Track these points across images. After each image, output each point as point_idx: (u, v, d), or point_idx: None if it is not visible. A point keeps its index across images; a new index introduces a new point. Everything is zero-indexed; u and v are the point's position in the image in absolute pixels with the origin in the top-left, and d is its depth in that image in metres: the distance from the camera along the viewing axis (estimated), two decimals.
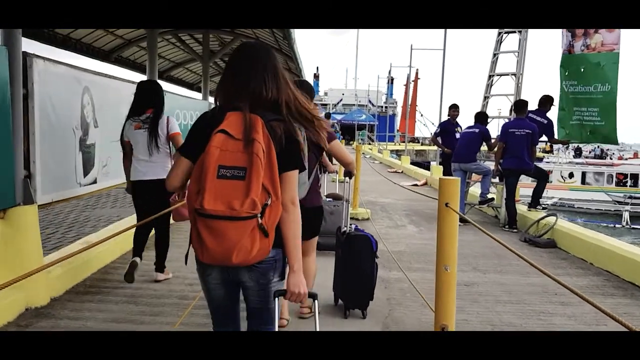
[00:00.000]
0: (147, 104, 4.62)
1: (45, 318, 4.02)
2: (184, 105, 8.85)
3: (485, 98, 9.37)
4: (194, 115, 9.18)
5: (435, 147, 49.91)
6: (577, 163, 32.56)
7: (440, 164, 18.99)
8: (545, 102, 8.66)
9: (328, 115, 21.04)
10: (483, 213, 9.77)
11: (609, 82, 7.94)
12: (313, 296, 2.21)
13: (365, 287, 4.21)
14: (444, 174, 10.29)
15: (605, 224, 23.43)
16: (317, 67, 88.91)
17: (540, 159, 30.12)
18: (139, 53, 11.27)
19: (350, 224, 4.57)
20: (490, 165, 9.11)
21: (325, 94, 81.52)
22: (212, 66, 14.31)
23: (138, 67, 11.71)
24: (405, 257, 6.31)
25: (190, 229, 2.05)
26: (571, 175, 29.67)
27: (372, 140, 55.92)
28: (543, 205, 8.83)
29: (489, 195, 8.96)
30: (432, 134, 11.31)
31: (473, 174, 9.23)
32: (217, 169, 1.92)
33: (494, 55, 9.22)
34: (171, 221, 4.62)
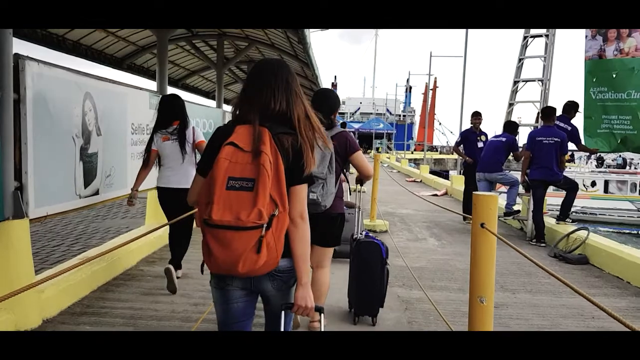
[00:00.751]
0: (173, 116, 4.93)
1: None
2: (196, 112, 8.54)
3: (510, 105, 8.91)
4: (207, 123, 8.89)
5: (455, 156, 49.27)
6: (599, 171, 31.84)
7: (461, 173, 18.59)
8: (570, 108, 8.23)
9: (344, 125, 20.70)
10: (508, 226, 9.30)
11: None
12: (320, 310, 2.22)
13: (374, 294, 4.20)
14: (465, 184, 9.86)
15: (627, 231, 22.76)
16: (335, 76, 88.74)
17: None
18: (152, 60, 11.05)
19: (362, 231, 4.55)
20: (517, 175, 8.67)
21: (343, 102, 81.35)
22: (226, 74, 14.07)
23: (152, 75, 11.48)
24: (427, 274, 5.89)
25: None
26: (593, 183, 28.89)
27: (390, 149, 55.47)
28: (572, 218, 8.34)
29: (515, 207, 8.51)
30: (454, 143, 10.85)
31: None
32: (226, 180, 1.95)
33: (519, 60, 8.78)
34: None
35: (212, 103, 13.40)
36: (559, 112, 8.05)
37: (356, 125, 64.63)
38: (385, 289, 4.26)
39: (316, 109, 2.38)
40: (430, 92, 45.04)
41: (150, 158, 4.96)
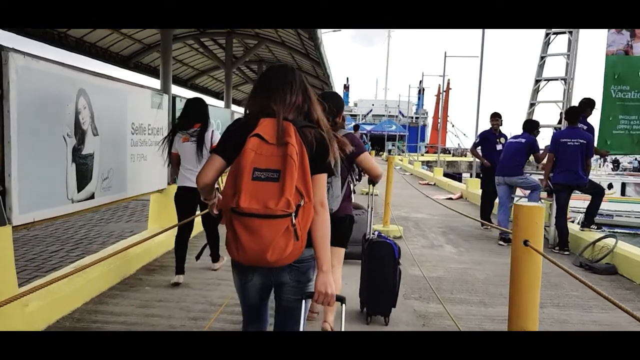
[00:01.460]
0: (195, 119, 5.06)
1: None
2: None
3: (532, 105, 8.47)
4: (214, 123, 8.55)
5: (468, 158, 48.75)
6: (616, 174, 31.25)
7: (478, 176, 18.13)
8: (586, 106, 7.75)
9: (357, 127, 20.32)
10: None
11: None
12: (341, 300, 2.20)
13: (387, 294, 4.22)
14: (483, 188, 9.43)
15: None
16: (347, 78, 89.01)
17: None
18: (160, 60, 10.75)
19: (374, 231, 4.56)
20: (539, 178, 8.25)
21: (355, 104, 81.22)
22: (236, 73, 13.77)
23: (159, 74, 11.19)
24: (445, 286, 5.50)
25: (225, 233, 2.10)
26: (610, 186, 28.18)
27: (403, 151, 54.98)
28: (598, 224, 7.89)
29: None
30: (471, 144, 10.42)
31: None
32: (252, 171, 1.99)
33: (541, 58, 8.33)
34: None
35: (221, 103, 13.08)
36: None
37: (368, 128, 64.24)
38: (397, 289, 4.27)
39: None
40: (443, 93, 44.50)
41: (173, 161, 5.16)
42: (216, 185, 2.33)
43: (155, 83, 10.70)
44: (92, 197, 4.66)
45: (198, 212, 5.16)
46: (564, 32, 8.12)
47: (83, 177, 4.49)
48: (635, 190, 28.27)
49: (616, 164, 39.99)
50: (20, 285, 3.73)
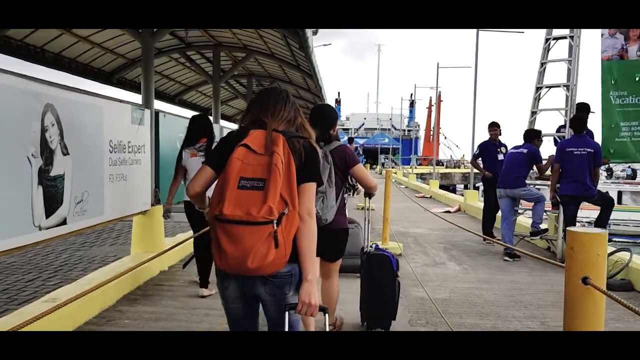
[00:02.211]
0: (201, 134, 5.28)
1: None
2: None
3: (533, 113, 8.11)
4: None
5: (464, 170, 48.51)
6: (612, 182, 31.14)
7: (475, 187, 17.77)
8: (580, 110, 7.42)
9: (351, 140, 20.11)
10: (533, 245, 8.46)
11: None
12: (323, 310, 2.20)
13: (386, 306, 4.19)
14: (485, 201, 9.04)
15: None
16: (339, 93, 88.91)
17: None
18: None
19: (371, 244, 4.53)
20: (544, 190, 7.88)
21: (347, 118, 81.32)
22: (225, 87, 13.40)
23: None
24: (453, 309, 5.07)
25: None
26: (620, 196, 28.02)
27: (396, 164, 54.72)
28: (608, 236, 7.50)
29: (542, 226, 7.68)
30: (471, 156, 10.05)
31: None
32: (238, 180, 2.02)
33: (542, 64, 7.99)
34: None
35: (210, 119, 12.69)
36: None
37: (361, 141, 64.12)
38: (397, 301, 4.24)
39: (313, 125, 2.55)
40: (435, 105, 44.38)
41: (178, 174, 5.31)
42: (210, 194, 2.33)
43: (138, 98, 10.29)
44: (64, 222, 4.22)
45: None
46: (565, 37, 7.80)
47: (52, 201, 4.05)
48: (631, 198, 28.13)
49: (609, 172, 39.91)
50: None
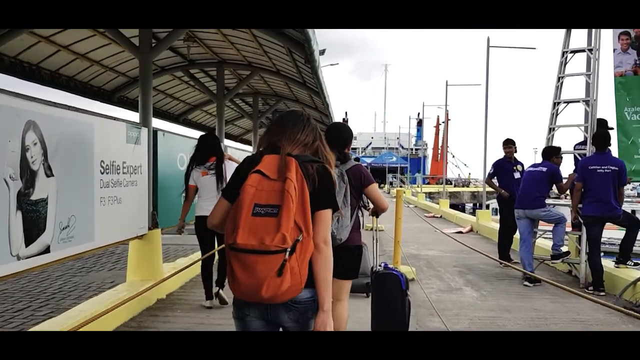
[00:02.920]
0: (211, 153, 5.48)
1: None
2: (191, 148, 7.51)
3: (551, 130, 7.72)
4: None
5: (473, 189, 47.93)
6: (624, 201, 30.51)
7: (487, 207, 17.29)
8: (600, 126, 7.07)
9: (357, 160, 19.76)
10: (553, 269, 8.01)
11: None
12: None
13: (396, 326, 4.15)
14: (501, 222, 8.62)
15: None
16: (346, 112, 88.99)
17: None
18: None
19: (380, 263, 4.47)
20: (564, 210, 7.44)
21: (355, 138, 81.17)
22: (230, 106, 13.13)
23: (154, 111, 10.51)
24: None
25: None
26: None
27: (404, 183, 54.28)
28: (635, 261, 7.04)
29: (563, 248, 7.24)
30: (487, 175, 9.65)
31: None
32: (252, 207, 2.00)
33: (559, 79, 7.63)
34: None
35: None
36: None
37: (369, 160, 63.88)
38: (408, 320, 4.21)
39: (329, 143, 2.47)
40: (443, 124, 44.08)
41: (189, 193, 5.48)
42: None
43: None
44: (46, 250, 3.86)
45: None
46: (583, 50, 7.46)
47: (33, 228, 3.70)
48: None
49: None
50: None
